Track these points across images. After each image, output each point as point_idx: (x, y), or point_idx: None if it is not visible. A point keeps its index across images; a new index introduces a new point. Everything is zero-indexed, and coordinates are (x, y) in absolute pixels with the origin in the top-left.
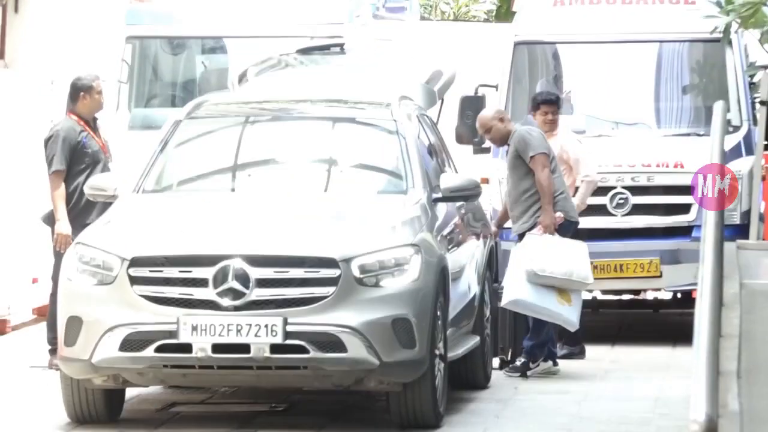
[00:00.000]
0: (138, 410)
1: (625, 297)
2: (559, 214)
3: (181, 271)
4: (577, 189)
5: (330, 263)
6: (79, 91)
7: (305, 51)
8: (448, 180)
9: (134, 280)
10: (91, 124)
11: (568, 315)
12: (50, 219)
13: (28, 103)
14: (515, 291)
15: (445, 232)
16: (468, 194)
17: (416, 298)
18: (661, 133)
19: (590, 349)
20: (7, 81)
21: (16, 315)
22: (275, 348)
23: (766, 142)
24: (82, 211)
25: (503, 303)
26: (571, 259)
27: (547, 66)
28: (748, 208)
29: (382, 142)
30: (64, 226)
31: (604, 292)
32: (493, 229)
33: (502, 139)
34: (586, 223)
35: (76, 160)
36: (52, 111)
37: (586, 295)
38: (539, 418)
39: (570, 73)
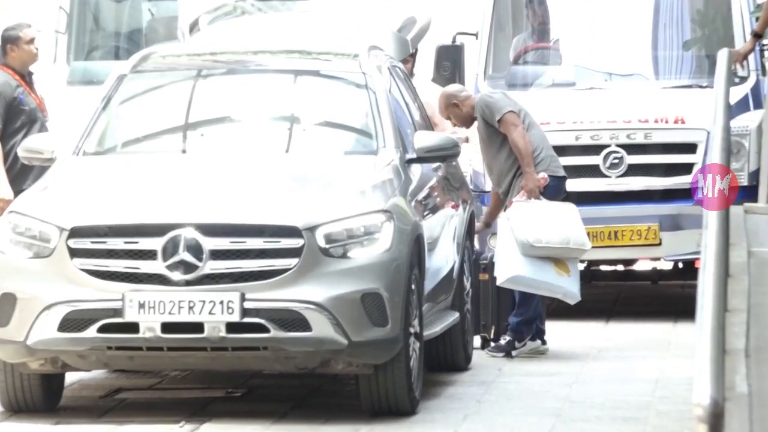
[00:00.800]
0: (79, 397)
1: (621, 267)
2: (542, 174)
3: (126, 242)
4: None
5: (292, 232)
6: (6, 43)
7: None
8: (423, 139)
9: (74, 253)
10: (26, 78)
11: (569, 287)
12: None
13: None
14: (511, 267)
15: (420, 196)
16: (445, 154)
17: (388, 270)
18: (659, 85)
19: (582, 326)
20: None
21: None
22: (232, 327)
23: None
24: (18, 176)
25: (500, 282)
26: (565, 224)
27: (533, 11)
28: (756, 168)
29: (349, 96)
30: (5, 190)
31: (597, 262)
32: (478, 225)
33: (467, 120)
34: (577, 185)
35: (10, 119)
36: None
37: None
38: (526, 403)
39: (558, 19)
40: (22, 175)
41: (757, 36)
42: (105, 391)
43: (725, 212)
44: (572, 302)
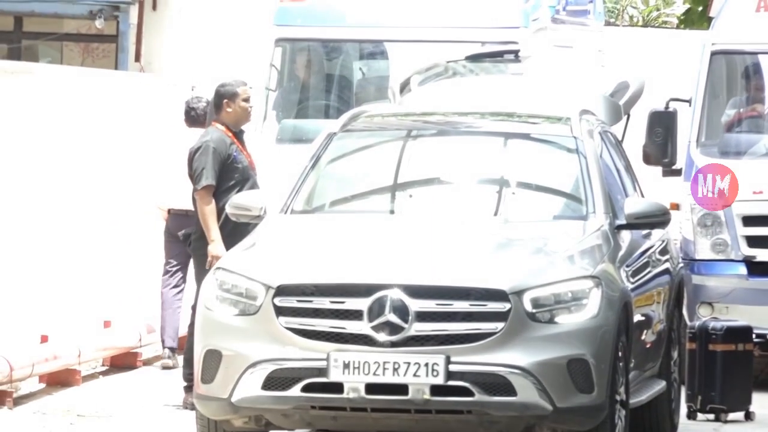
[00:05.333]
0: None
1: None
2: None
3: (332, 302)
4: None
5: (499, 296)
6: (222, 99)
7: (475, 58)
8: (633, 205)
9: (280, 311)
10: (239, 136)
11: None
12: (188, 238)
13: (168, 111)
14: None
15: (629, 263)
16: (655, 221)
17: (595, 336)
18: None
19: None
20: (144, 86)
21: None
22: (436, 390)
23: None
24: (231, 233)
25: None
26: None
27: (748, 79)
28: None
29: (559, 161)
30: (218, 247)
31: None
32: None
33: None
34: None
35: (224, 177)
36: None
37: None
38: None
39: None
40: (236, 233)
41: None
42: None
43: None
44: None
